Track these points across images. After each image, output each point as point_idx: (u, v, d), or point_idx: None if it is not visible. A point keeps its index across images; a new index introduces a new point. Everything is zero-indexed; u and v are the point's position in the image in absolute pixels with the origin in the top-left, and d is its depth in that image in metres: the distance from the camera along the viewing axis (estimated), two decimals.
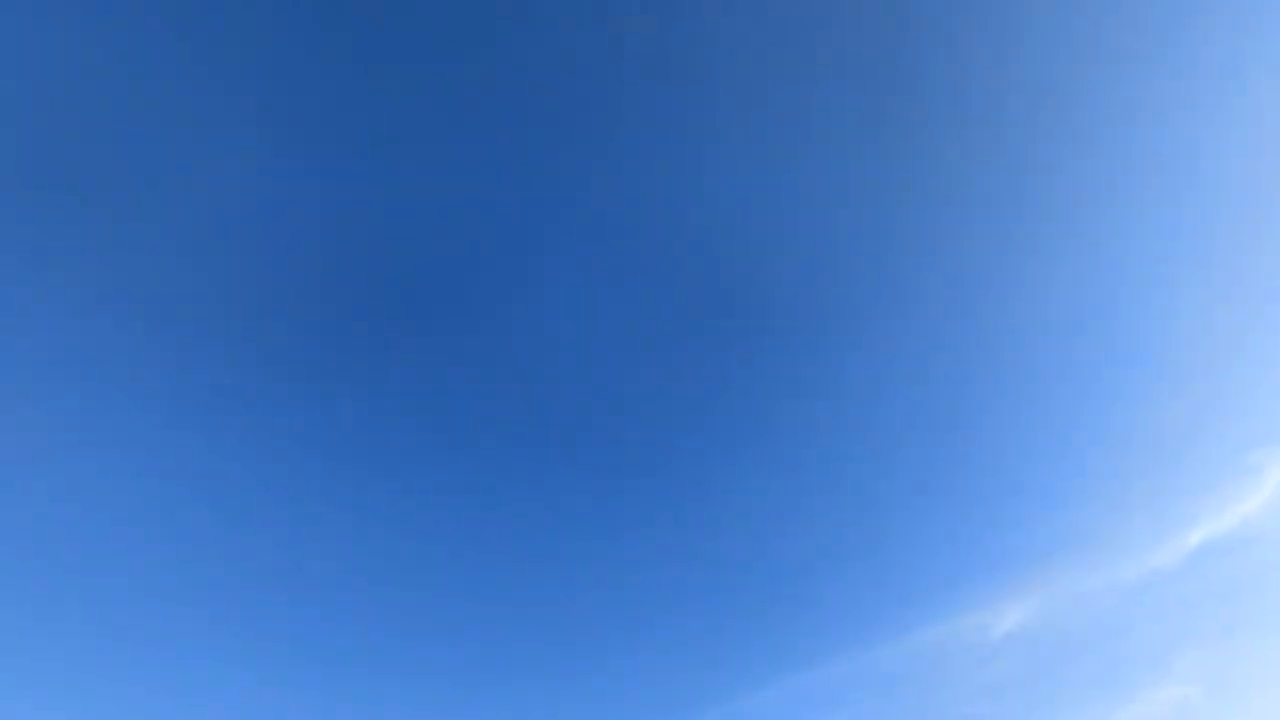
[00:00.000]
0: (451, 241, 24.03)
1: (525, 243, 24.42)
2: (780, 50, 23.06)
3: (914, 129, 24.56)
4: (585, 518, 28.45)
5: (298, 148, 21.62)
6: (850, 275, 26.51)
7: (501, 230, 24.10)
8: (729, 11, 22.34)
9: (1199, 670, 29.54)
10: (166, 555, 24.78)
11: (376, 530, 26.79)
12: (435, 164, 22.89)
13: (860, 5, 22.85)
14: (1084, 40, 23.93)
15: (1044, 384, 28.70)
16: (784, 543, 30.19)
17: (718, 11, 22.29)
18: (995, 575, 30.89)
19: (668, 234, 25.10)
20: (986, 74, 24.04)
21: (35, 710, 23.49)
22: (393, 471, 26.33)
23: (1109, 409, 29.05)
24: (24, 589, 23.32)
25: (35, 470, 22.47)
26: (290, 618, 26.36)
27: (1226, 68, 24.52)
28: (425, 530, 27.26)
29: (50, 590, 23.62)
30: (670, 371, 26.95)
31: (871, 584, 30.86)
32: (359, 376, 24.81)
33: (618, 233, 24.88)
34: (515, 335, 25.68)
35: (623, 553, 29.05)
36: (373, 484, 26.28)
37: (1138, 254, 26.91)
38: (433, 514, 27.19)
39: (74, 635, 24.14)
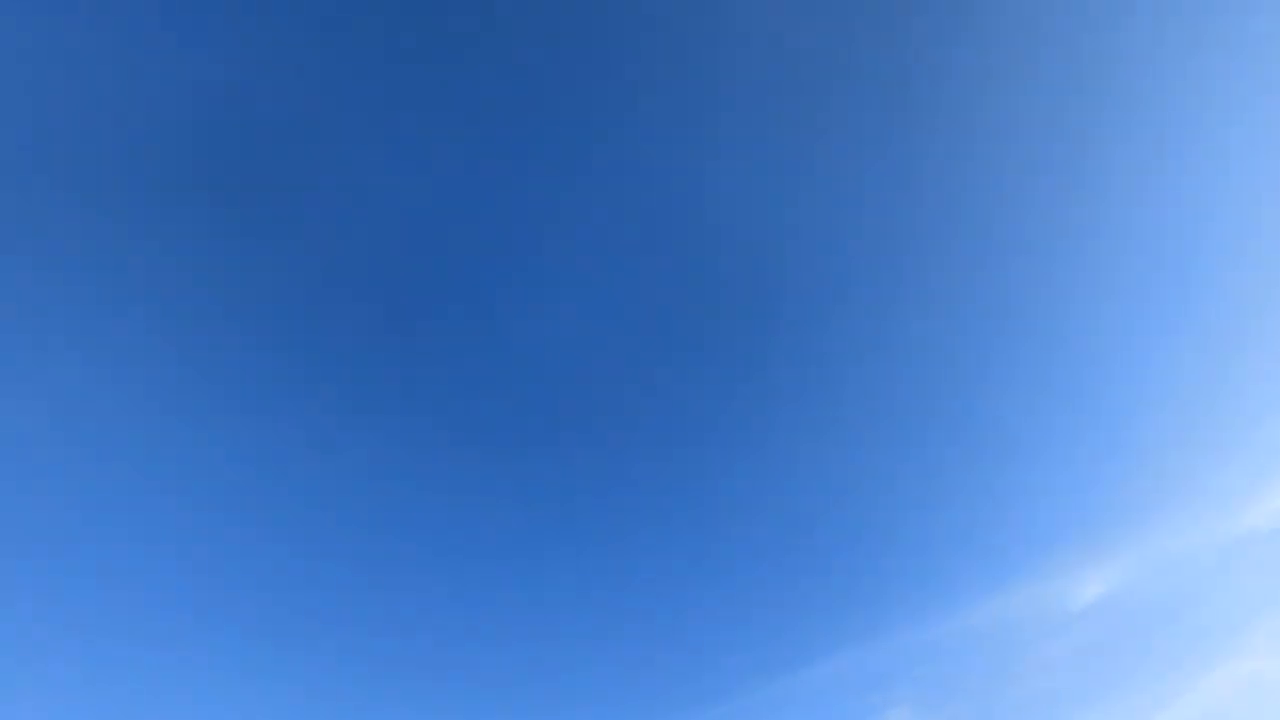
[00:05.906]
0: (455, 240, 23.95)
1: (529, 242, 24.34)
2: (783, 52, 22.94)
3: (921, 131, 24.45)
4: (614, 510, 28.28)
5: (298, 147, 21.55)
6: (867, 271, 26.36)
7: (505, 229, 24.01)
8: (735, 10, 22.21)
9: (1276, 641, 27.42)
10: (166, 554, 24.74)
11: (377, 530, 26.74)
12: (439, 161, 22.80)
13: (865, 6, 22.73)
14: (1090, 42, 23.79)
15: (1132, 335, 27.08)
16: (856, 509, 29.23)
17: (724, 10, 22.16)
18: (1081, 537, 28.94)
19: (670, 234, 25.01)
20: (991, 75, 23.92)
21: (35, 711, 23.48)
22: (394, 470, 26.29)
23: (1203, 357, 27.22)
24: (25, 589, 23.29)
25: (36, 470, 22.44)
26: (290, 618, 26.33)
27: (1233, 57, 24.26)
28: (428, 529, 27.20)
29: (52, 590, 23.60)
30: (679, 367, 26.80)
31: (945, 552, 29.58)
32: (359, 376, 24.74)
33: (620, 232, 24.79)
34: (519, 335, 25.62)
35: (667, 536, 28.74)
36: (374, 483, 26.23)
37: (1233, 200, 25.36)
38: (436, 513, 27.14)
39: (76, 636, 24.12)
